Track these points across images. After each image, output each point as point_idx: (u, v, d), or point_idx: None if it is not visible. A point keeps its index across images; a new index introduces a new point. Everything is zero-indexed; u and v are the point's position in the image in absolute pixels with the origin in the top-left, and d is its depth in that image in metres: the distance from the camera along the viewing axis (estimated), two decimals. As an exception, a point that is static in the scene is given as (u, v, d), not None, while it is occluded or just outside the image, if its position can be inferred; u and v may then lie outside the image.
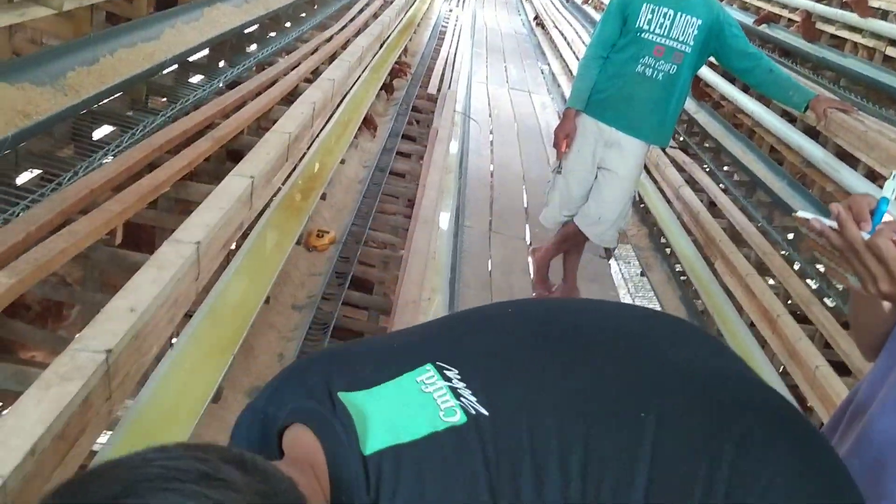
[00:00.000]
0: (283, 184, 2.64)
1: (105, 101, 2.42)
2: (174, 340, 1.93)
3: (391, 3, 5.82)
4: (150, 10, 2.95)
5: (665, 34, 2.96)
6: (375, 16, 5.20)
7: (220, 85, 3.00)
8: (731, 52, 3.06)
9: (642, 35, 2.95)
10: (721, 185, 4.82)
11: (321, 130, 3.20)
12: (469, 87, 7.76)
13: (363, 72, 4.34)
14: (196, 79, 3.27)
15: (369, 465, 0.69)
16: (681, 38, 2.96)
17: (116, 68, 2.42)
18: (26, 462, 1.13)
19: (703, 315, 3.62)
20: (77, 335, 1.39)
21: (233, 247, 2.27)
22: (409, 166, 4.69)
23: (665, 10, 2.92)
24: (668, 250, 4.38)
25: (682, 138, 6.61)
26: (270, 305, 2.73)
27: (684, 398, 0.78)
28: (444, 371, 0.76)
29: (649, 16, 2.93)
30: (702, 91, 6.56)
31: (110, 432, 1.58)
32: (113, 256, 1.85)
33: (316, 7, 5.20)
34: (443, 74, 6.81)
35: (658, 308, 3.97)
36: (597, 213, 3.16)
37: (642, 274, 4.45)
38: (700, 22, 2.94)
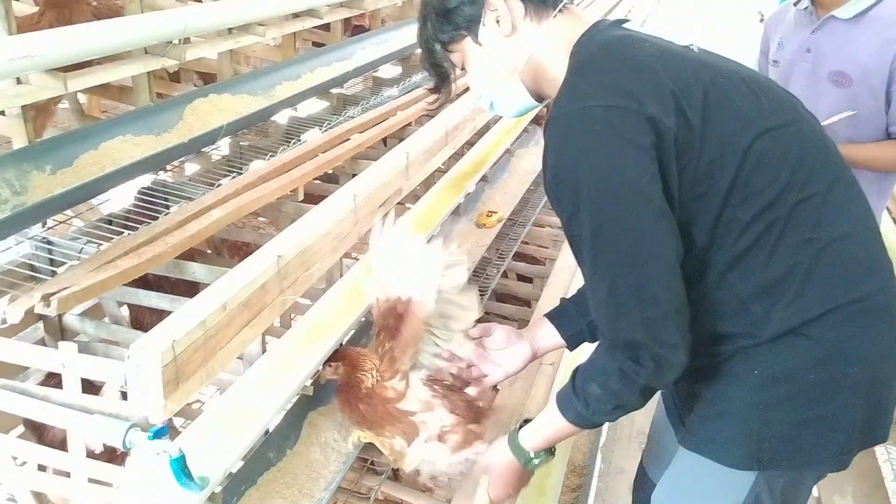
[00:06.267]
0: (443, 164, 3.18)
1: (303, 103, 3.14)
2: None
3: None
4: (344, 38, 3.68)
5: None
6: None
7: (397, 93, 3.63)
8: None
9: None
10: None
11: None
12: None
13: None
14: (387, 91, 3.94)
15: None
16: None
17: (312, 81, 3.13)
18: (219, 313, 1.73)
19: None
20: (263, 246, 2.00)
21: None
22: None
23: None
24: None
25: None
26: (439, 267, 3.26)
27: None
28: None
29: None
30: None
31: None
32: (296, 209, 2.50)
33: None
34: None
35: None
36: None
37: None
38: None
